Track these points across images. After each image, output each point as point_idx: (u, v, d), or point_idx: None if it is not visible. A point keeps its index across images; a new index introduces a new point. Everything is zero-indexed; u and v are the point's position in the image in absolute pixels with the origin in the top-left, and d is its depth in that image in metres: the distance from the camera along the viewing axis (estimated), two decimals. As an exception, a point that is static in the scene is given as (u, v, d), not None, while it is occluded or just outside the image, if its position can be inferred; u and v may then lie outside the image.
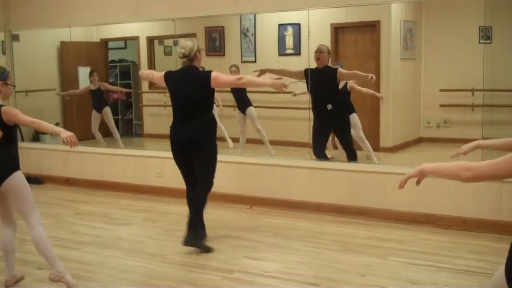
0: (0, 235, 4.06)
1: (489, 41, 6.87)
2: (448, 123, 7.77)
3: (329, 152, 6.62)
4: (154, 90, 9.37)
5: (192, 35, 7.06)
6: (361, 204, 5.75)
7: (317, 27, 6.66)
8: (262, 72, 6.34)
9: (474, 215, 5.22)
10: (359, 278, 4.13)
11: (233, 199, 6.37)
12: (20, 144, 7.80)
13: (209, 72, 4.80)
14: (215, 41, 8.56)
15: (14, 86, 4.13)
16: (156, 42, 9.42)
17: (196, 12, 6.52)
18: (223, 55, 8.50)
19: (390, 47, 7.42)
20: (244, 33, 8.32)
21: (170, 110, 4.99)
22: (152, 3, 6.88)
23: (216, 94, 7.60)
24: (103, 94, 8.92)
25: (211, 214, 5.92)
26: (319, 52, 6.17)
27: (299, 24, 7.65)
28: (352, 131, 6.59)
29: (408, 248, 4.76)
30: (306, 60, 6.41)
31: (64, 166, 7.81)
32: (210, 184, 4.94)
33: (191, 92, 4.80)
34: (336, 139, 6.63)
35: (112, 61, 10.44)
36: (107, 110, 8.87)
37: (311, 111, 6.37)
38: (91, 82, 8.75)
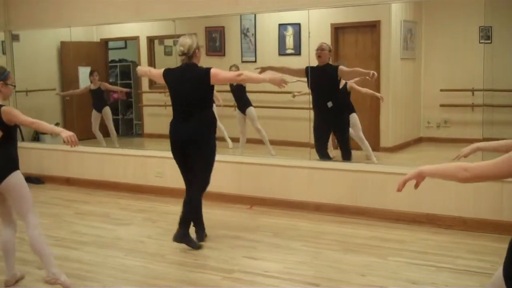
0: (0, 235, 4.05)
1: (489, 41, 6.86)
2: (448, 123, 7.76)
3: (329, 152, 6.61)
4: (154, 90, 9.37)
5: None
6: (361, 204, 5.75)
7: (317, 27, 6.66)
8: (263, 70, 6.35)
9: (474, 215, 5.22)
10: (359, 278, 4.13)
11: (233, 199, 6.37)
12: (21, 144, 7.81)
13: (209, 69, 4.80)
14: (215, 41, 8.56)
15: (14, 86, 4.13)
16: (156, 42, 9.41)
17: (196, 12, 6.52)
18: (223, 55, 8.49)
19: (390, 47, 7.42)
20: (244, 33, 8.31)
21: (170, 110, 4.99)
22: (152, 3, 6.88)
23: (217, 94, 7.70)
24: (103, 94, 8.92)
25: (211, 214, 5.93)
26: (320, 49, 6.17)
27: (299, 24, 7.65)
28: (352, 131, 6.59)
29: (409, 248, 4.76)
30: (306, 60, 6.41)
31: (64, 166, 7.81)
32: (207, 182, 4.94)
33: (190, 89, 4.79)
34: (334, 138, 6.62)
35: (112, 61, 10.43)
36: (107, 110, 8.88)
37: (311, 111, 6.37)
38: (91, 82, 8.75)
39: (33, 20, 7.83)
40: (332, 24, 7.34)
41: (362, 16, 7.12)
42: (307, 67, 6.26)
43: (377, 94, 6.99)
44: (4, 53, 8.20)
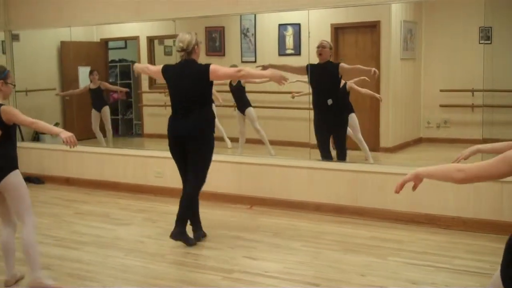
0: (0, 235, 4.05)
1: (489, 42, 6.87)
2: (448, 124, 7.77)
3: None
4: (154, 90, 9.37)
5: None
6: (361, 204, 5.76)
7: (317, 27, 6.66)
8: (264, 67, 6.35)
9: (474, 215, 5.22)
10: (359, 278, 4.13)
11: (233, 199, 6.38)
12: (21, 144, 7.83)
13: (208, 65, 4.81)
14: (215, 41, 8.56)
15: (14, 85, 4.14)
16: (156, 42, 9.41)
17: (196, 12, 6.52)
18: (223, 55, 8.50)
19: (390, 47, 7.42)
20: (244, 33, 8.32)
21: (170, 110, 5.00)
22: (152, 3, 6.88)
23: (216, 93, 7.70)
24: (102, 93, 8.93)
25: (211, 214, 5.93)
26: (321, 47, 6.17)
27: (299, 24, 7.65)
28: (350, 131, 6.59)
29: (408, 248, 4.76)
30: (306, 61, 6.41)
31: (64, 166, 7.81)
32: (203, 179, 4.95)
33: (190, 85, 4.80)
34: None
35: (112, 61, 10.44)
36: (106, 109, 8.90)
37: (311, 111, 6.37)
38: (91, 81, 8.76)
39: (33, 20, 7.84)
40: (332, 24, 7.35)
41: (362, 16, 7.12)
42: (308, 65, 6.26)
43: (376, 95, 7.00)
44: (4, 52, 8.20)
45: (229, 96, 7.71)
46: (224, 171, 6.48)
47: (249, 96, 7.68)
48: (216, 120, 5.14)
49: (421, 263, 4.40)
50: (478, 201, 5.19)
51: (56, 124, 7.87)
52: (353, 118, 6.62)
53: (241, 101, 7.61)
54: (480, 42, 6.91)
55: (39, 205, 6.63)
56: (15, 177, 3.86)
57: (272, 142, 7.47)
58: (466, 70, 7.26)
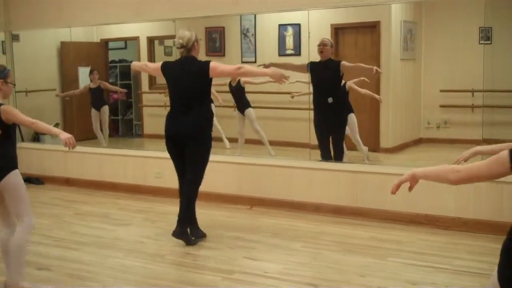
0: (0, 236, 4.05)
1: (489, 42, 6.87)
2: (448, 124, 7.76)
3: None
4: (154, 91, 9.37)
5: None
6: (361, 205, 5.75)
7: (317, 28, 6.66)
8: (265, 66, 6.34)
9: (474, 216, 5.22)
10: (359, 279, 4.13)
11: (233, 200, 6.37)
12: (21, 145, 7.83)
13: (208, 62, 4.81)
14: (215, 41, 8.56)
15: (14, 84, 4.13)
16: (156, 42, 9.41)
17: (196, 12, 6.51)
18: (223, 55, 8.49)
19: (390, 47, 7.42)
20: (244, 33, 8.31)
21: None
22: (153, 3, 6.88)
23: (216, 94, 7.70)
24: (102, 93, 8.94)
25: (212, 214, 5.93)
26: (322, 45, 6.17)
27: (299, 25, 7.65)
28: (348, 131, 6.58)
29: (408, 249, 4.76)
30: (306, 61, 6.41)
31: (64, 167, 7.81)
32: (202, 177, 4.95)
33: (190, 82, 4.80)
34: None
35: (112, 61, 10.43)
36: (105, 108, 8.90)
37: (311, 111, 6.36)
38: (91, 81, 8.76)
39: (33, 20, 7.84)
40: (332, 25, 7.34)
41: (362, 17, 7.12)
42: (309, 63, 6.26)
43: (375, 96, 7.00)
44: (4, 53, 8.20)
45: (229, 96, 7.71)
46: (224, 171, 6.48)
47: (249, 97, 7.67)
48: (215, 119, 5.14)
49: (421, 263, 4.39)
50: (478, 201, 5.19)
51: (56, 125, 7.88)
52: (352, 118, 6.62)
53: (241, 102, 7.60)
54: (480, 42, 6.91)
55: (39, 206, 6.63)
56: (15, 177, 3.86)
57: (272, 143, 7.46)
58: (466, 71, 7.26)
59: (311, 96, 6.37)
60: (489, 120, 6.57)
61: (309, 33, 6.50)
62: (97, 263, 4.62)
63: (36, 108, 8.15)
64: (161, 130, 5.04)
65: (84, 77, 8.87)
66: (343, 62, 6.16)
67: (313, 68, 6.22)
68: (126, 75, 10.38)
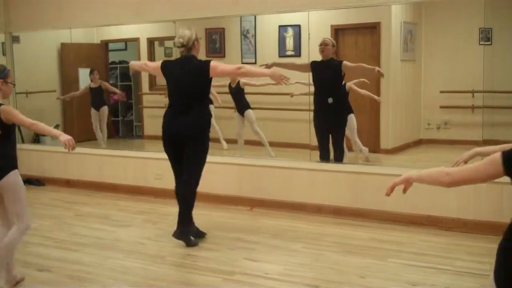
0: None
1: (489, 43, 6.87)
2: (448, 125, 7.76)
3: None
4: (154, 92, 9.37)
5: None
6: (362, 206, 5.75)
7: (317, 29, 6.66)
8: (267, 66, 6.34)
9: (474, 217, 5.21)
10: (359, 280, 4.13)
11: (234, 201, 6.37)
12: (21, 146, 7.82)
13: (208, 62, 4.81)
14: (216, 42, 8.56)
15: (14, 84, 4.13)
16: (156, 43, 9.42)
17: (197, 13, 6.51)
18: (224, 56, 8.49)
19: (391, 48, 7.42)
20: (244, 34, 8.32)
21: (170, 111, 4.99)
22: (153, 4, 6.88)
23: (216, 94, 7.70)
24: (103, 93, 8.93)
25: (212, 215, 5.94)
26: (323, 45, 6.17)
27: (299, 26, 7.65)
28: (347, 131, 6.58)
29: (408, 250, 4.75)
30: (306, 62, 6.41)
31: (64, 168, 7.81)
32: (199, 177, 4.94)
33: (190, 81, 4.79)
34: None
35: (113, 63, 10.43)
36: (105, 109, 8.90)
37: (311, 112, 6.36)
38: (91, 80, 8.76)
39: (34, 22, 7.84)
40: (332, 26, 7.34)
41: (362, 18, 7.12)
42: (312, 62, 6.26)
43: (375, 97, 7.00)
44: (4, 54, 8.20)
45: (229, 97, 7.70)
46: (224, 172, 6.48)
47: (249, 98, 7.67)
48: (213, 120, 5.14)
49: (422, 264, 4.39)
50: (479, 202, 5.18)
51: (56, 126, 7.88)
52: (351, 118, 6.62)
53: (241, 103, 7.59)
54: (480, 43, 6.91)
55: (39, 207, 6.64)
56: (14, 177, 3.86)
57: (272, 144, 7.46)
58: (466, 71, 7.26)
59: (311, 97, 6.37)
60: (489, 121, 6.57)
61: (309, 34, 6.50)
62: (98, 264, 4.62)
63: (36, 110, 8.16)
64: (161, 132, 5.04)
65: (85, 78, 8.87)
66: (345, 62, 6.16)
67: (314, 67, 6.22)
68: (126, 76, 10.39)
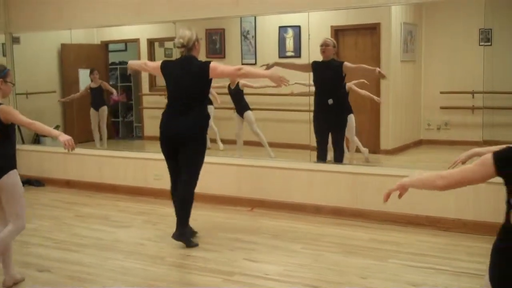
0: None
1: (489, 43, 6.87)
2: (449, 125, 7.77)
3: (329, 154, 6.60)
4: (154, 93, 9.37)
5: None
6: (361, 206, 5.75)
7: (317, 30, 6.67)
8: (268, 66, 6.34)
9: (474, 217, 5.21)
10: (359, 281, 4.13)
11: (233, 201, 6.37)
12: (21, 147, 7.82)
13: (208, 62, 4.81)
14: (216, 43, 8.57)
15: (14, 84, 4.13)
16: (156, 44, 9.42)
17: (197, 14, 6.52)
18: (224, 57, 8.50)
19: (391, 49, 7.42)
20: (244, 35, 8.32)
21: (170, 112, 4.99)
22: (153, 5, 6.89)
23: (216, 95, 7.70)
24: (103, 93, 8.92)
25: (211, 216, 5.94)
26: (324, 45, 6.17)
27: (299, 27, 7.65)
28: (346, 131, 6.58)
29: (408, 250, 4.76)
30: (307, 62, 6.41)
31: (64, 169, 7.81)
32: (197, 178, 4.94)
33: (190, 82, 4.79)
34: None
35: (113, 63, 10.43)
36: (104, 109, 8.89)
37: (311, 113, 6.37)
38: (91, 80, 8.76)
39: (34, 23, 7.84)
40: (332, 27, 7.35)
41: (362, 19, 7.13)
42: (313, 62, 6.26)
43: (375, 97, 7.00)
44: (4, 55, 8.21)
45: (228, 98, 7.70)
46: (224, 173, 6.49)
47: (249, 98, 7.67)
48: (211, 121, 5.15)
49: (421, 265, 4.39)
50: (478, 203, 5.18)
51: (57, 127, 7.88)
52: (351, 118, 6.62)
53: (240, 104, 7.59)
54: (480, 44, 6.91)
55: (39, 208, 6.64)
56: (13, 177, 3.86)
57: (272, 144, 7.46)
58: (466, 72, 7.26)
59: (311, 98, 6.37)
60: (489, 122, 6.57)
61: (309, 35, 6.50)
62: (97, 265, 4.62)
63: (36, 110, 8.16)
64: (162, 132, 5.04)
65: (85, 79, 8.87)
66: (346, 63, 6.15)
67: (315, 67, 6.22)
68: (126, 77, 10.39)
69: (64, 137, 3.81)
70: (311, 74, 6.30)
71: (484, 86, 6.00)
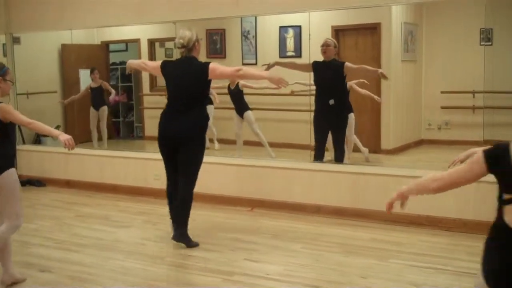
0: None
1: (490, 43, 6.86)
2: (449, 125, 7.76)
3: (329, 154, 6.60)
4: (155, 93, 9.37)
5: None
6: (362, 206, 5.75)
7: (318, 29, 6.66)
8: (269, 66, 6.34)
9: (474, 217, 5.21)
10: (360, 281, 4.12)
11: (234, 201, 6.37)
12: (22, 147, 7.83)
13: (208, 63, 4.81)
14: (216, 43, 8.57)
15: (13, 82, 4.12)
16: (157, 44, 9.42)
17: (197, 14, 6.52)
18: (224, 57, 8.50)
19: (391, 49, 7.42)
20: (245, 35, 8.32)
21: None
22: (153, 5, 6.88)
23: (216, 94, 7.69)
24: (103, 93, 8.92)
25: (212, 216, 5.93)
26: (325, 45, 6.17)
27: (300, 27, 7.66)
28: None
29: (409, 250, 4.75)
30: (307, 62, 6.40)
31: (65, 169, 7.81)
32: (196, 178, 4.94)
33: (190, 82, 4.79)
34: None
35: (113, 64, 10.44)
36: (105, 109, 8.88)
37: (311, 113, 6.36)
38: (92, 80, 8.76)
39: (34, 23, 7.84)
40: (332, 26, 7.35)
41: (362, 18, 7.12)
42: (313, 62, 6.26)
43: (375, 97, 7.00)
44: (5, 55, 8.21)
45: (227, 98, 7.69)
46: (224, 173, 6.48)
47: (250, 98, 7.67)
48: (210, 121, 5.15)
49: (422, 265, 4.39)
50: (479, 202, 5.18)
51: (57, 127, 7.88)
52: (351, 117, 6.62)
53: (240, 105, 7.59)
54: (481, 43, 6.90)
55: (40, 208, 6.64)
56: (11, 176, 3.86)
57: (273, 144, 7.46)
58: (467, 72, 7.26)
59: (311, 98, 6.37)
60: (490, 121, 6.57)
61: (309, 34, 6.50)
62: (98, 265, 4.62)
63: (37, 110, 8.15)
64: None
65: (85, 79, 8.88)
66: (347, 64, 6.15)
67: (316, 67, 6.22)
68: (127, 77, 10.40)
69: (64, 136, 3.80)
70: (312, 74, 6.30)
71: (484, 85, 5.99)
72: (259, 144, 7.50)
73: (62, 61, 9.13)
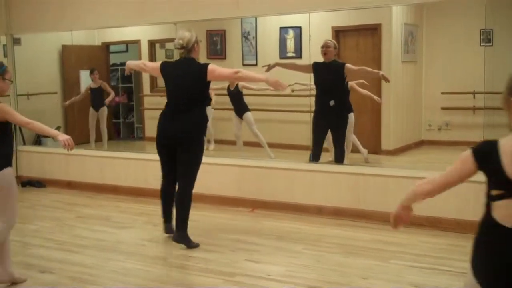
0: None
1: (490, 44, 6.87)
2: (450, 126, 7.77)
3: (330, 155, 6.60)
4: (155, 94, 9.38)
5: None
6: (363, 207, 5.75)
7: (318, 30, 6.67)
8: (269, 67, 6.35)
9: (474, 218, 5.18)
10: (361, 281, 4.12)
11: (235, 202, 6.37)
12: (22, 148, 7.84)
13: (206, 65, 4.82)
14: (217, 44, 8.57)
15: (12, 81, 4.12)
16: (157, 45, 9.43)
17: (197, 15, 6.52)
18: (224, 58, 8.51)
19: (391, 50, 7.43)
20: (245, 36, 8.33)
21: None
22: (154, 6, 6.88)
23: (213, 96, 7.69)
24: (103, 94, 8.92)
25: (213, 217, 5.93)
26: (325, 47, 6.17)
27: (300, 27, 7.66)
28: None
29: (410, 251, 4.75)
30: (308, 63, 6.41)
31: (65, 170, 7.81)
32: (195, 178, 4.94)
33: (189, 83, 4.80)
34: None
35: (114, 65, 10.45)
36: (104, 109, 8.88)
37: (311, 114, 6.37)
38: (92, 80, 8.76)
39: (35, 24, 7.84)
40: (333, 27, 7.36)
41: (363, 19, 7.14)
42: (314, 63, 6.26)
43: (375, 97, 7.00)
44: (5, 56, 8.21)
45: (226, 99, 7.69)
46: (225, 174, 6.48)
47: (250, 99, 7.68)
48: (209, 122, 5.17)
49: (423, 266, 4.39)
50: (479, 203, 5.13)
51: (58, 128, 7.88)
52: (351, 117, 6.62)
53: (239, 106, 7.59)
54: (481, 44, 6.91)
55: (41, 209, 6.64)
56: (7, 174, 3.85)
57: (273, 145, 7.46)
58: (467, 73, 7.27)
59: (312, 99, 6.37)
60: (490, 122, 6.55)
61: (310, 35, 6.51)
62: (99, 266, 4.62)
63: (37, 111, 8.14)
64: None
65: (86, 80, 8.89)
66: (348, 65, 6.14)
67: (316, 68, 6.22)
68: (127, 78, 10.36)
69: (63, 137, 3.80)
70: (312, 74, 6.30)
71: (485, 86, 6.00)
72: (258, 144, 7.51)
73: (62, 62, 9.14)
